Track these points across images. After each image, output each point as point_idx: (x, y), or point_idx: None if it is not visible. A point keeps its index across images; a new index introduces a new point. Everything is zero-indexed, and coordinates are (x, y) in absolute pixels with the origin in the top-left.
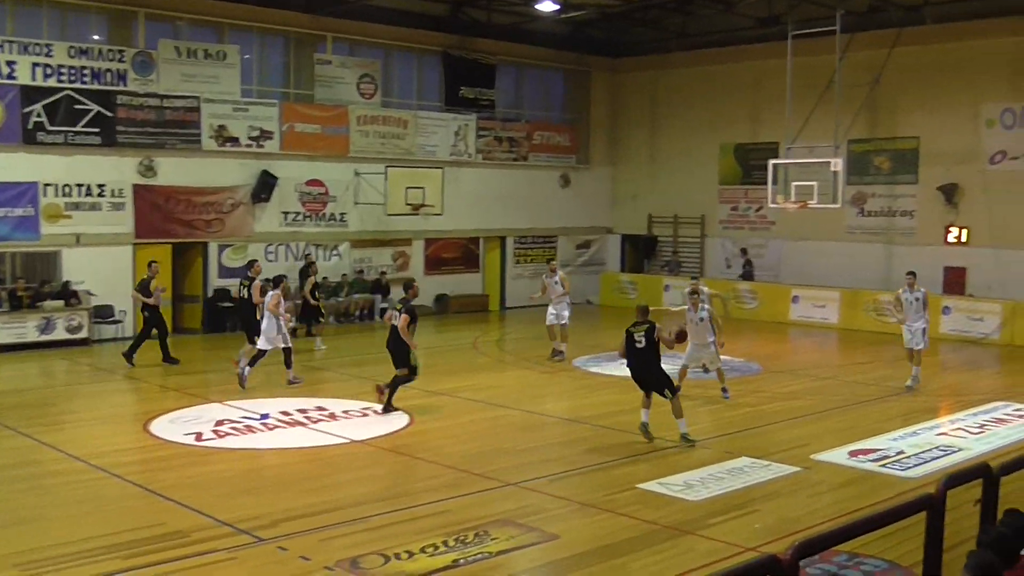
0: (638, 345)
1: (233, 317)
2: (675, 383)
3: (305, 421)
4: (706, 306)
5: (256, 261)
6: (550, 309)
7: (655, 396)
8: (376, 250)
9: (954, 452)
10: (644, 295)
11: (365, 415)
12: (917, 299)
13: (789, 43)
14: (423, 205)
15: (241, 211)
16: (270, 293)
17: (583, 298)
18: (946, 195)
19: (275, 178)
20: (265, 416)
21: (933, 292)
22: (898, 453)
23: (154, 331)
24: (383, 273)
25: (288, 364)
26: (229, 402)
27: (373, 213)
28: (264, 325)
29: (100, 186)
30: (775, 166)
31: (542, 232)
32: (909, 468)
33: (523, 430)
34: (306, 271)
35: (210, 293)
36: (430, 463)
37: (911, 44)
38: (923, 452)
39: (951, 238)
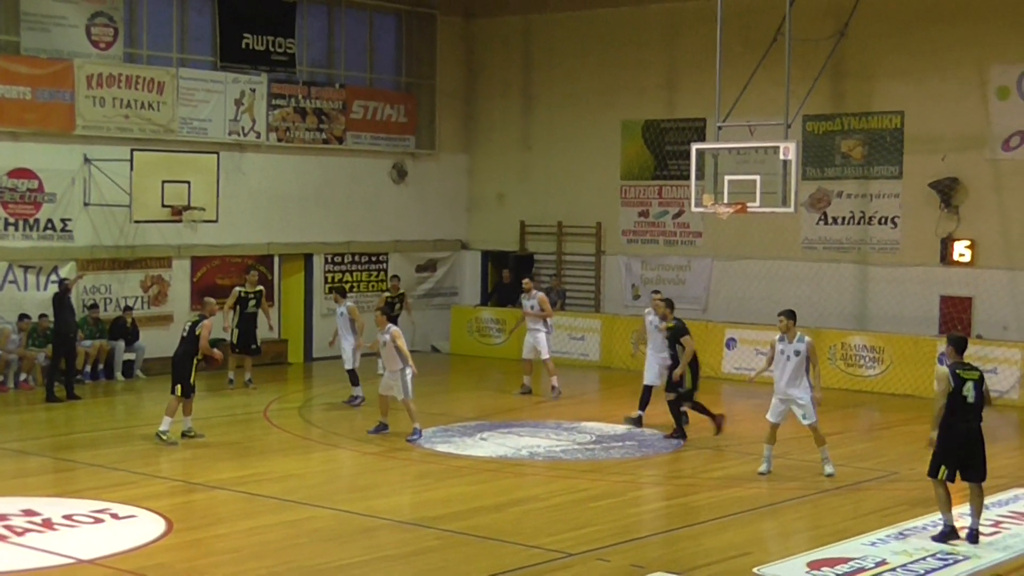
0: (968, 400)
1: None
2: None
3: (6, 533)
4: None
5: None
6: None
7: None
8: (117, 274)
9: (959, 561)
10: (515, 342)
11: (99, 521)
12: (798, 353)
13: None
14: (188, 208)
15: None
16: None
17: (426, 344)
18: (942, 194)
19: None
20: None
21: (926, 332)
22: (878, 564)
23: None
24: (127, 309)
25: None
26: None
27: (113, 220)
28: None
29: None
30: (700, 153)
31: (366, 247)
32: None
33: (336, 540)
34: (61, 299)
35: None
36: None
37: None
38: (914, 562)
39: (951, 256)
